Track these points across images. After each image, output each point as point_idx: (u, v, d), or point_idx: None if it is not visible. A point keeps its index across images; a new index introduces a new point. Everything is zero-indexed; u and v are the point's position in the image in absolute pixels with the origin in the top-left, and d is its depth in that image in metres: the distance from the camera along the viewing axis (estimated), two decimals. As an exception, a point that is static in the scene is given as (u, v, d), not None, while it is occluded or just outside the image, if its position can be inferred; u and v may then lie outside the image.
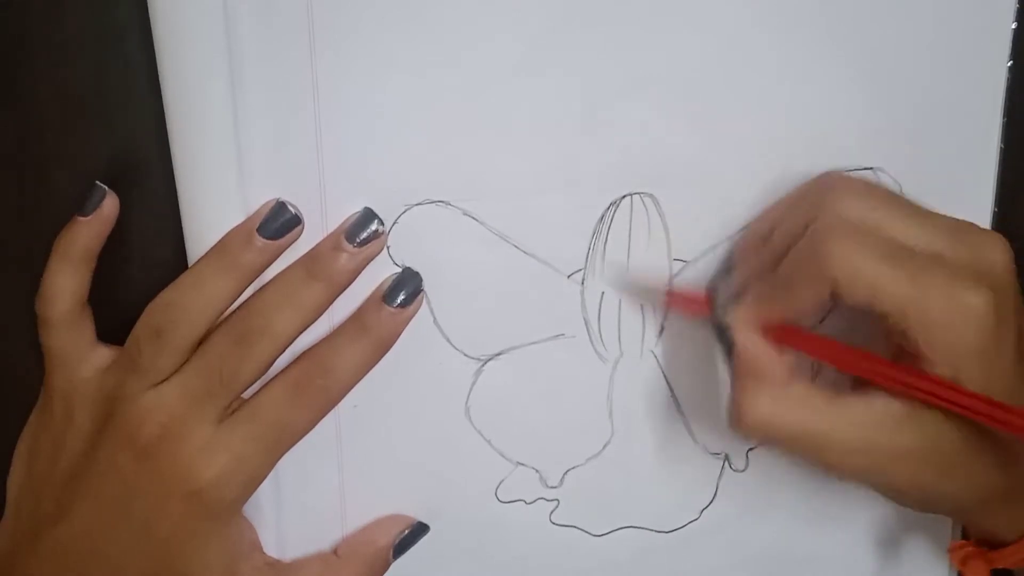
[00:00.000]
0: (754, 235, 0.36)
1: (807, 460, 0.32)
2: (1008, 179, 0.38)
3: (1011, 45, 0.36)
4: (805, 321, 0.33)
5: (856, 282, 0.30)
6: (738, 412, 0.32)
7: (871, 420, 0.31)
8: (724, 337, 0.34)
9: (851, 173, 0.35)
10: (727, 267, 0.36)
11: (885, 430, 0.31)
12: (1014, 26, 0.36)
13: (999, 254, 0.31)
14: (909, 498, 0.34)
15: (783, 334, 0.33)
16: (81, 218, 0.32)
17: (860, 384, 0.32)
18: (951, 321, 0.30)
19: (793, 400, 0.32)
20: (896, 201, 0.33)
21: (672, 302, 0.37)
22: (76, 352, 0.33)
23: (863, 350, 0.32)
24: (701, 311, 0.36)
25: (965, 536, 0.37)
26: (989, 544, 0.35)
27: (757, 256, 0.35)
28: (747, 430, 0.32)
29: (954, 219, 0.33)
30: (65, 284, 0.33)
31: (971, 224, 0.33)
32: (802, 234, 0.32)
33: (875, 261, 0.30)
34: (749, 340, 0.33)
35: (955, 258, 0.31)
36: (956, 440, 0.31)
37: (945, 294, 0.30)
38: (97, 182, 0.32)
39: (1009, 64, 0.36)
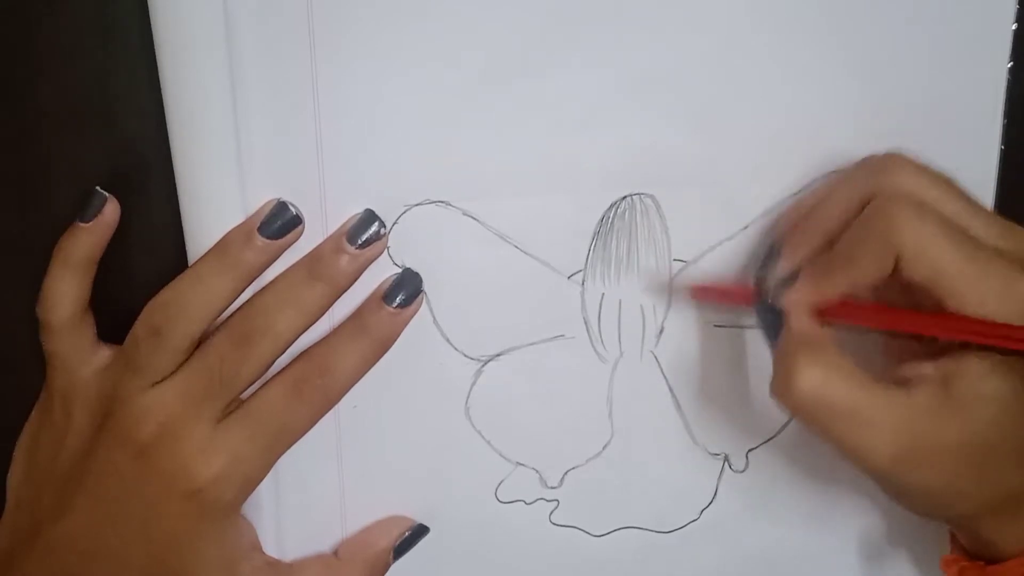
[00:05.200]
0: (794, 219, 0.36)
1: (843, 438, 0.32)
2: (1009, 180, 0.38)
3: (1011, 46, 0.36)
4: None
5: (922, 256, 0.30)
6: (788, 381, 0.32)
7: (914, 408, 0.31)
8: (771, 324, 0.34)
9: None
10: (771, 254, 0.36)
11: (926, 420, 0.31)
12: (1014, 27, 0.36)
13: None
14: (925, 497, 0.33)
15: (835, 309, 0.32)
16: (82, 224, 0.32)
17: (901, 379, 0.32)
18: (1006, 307, 0.30)
19: (845, 373, 0.32)
20: (950, 184, 0.33)
21: (707, 296, 0.36)
22: (77, 355, 0.33)
23: (917, 310, 0.32)
24: (744, 301, 0.35)
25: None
26: (981, 557, 0.34)
27: (805, 238, 0.34)
28: (796, 400, 0.32)
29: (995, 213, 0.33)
30: (66, 290, 0.33)
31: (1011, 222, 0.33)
32: (857, 211, 0.32)
33: (942, 238, 0.30)
34: (803, 322, 0.33)
35: (1007, 248, 0.32)
36: (990, 439, 0.31)
37: (1002, 281, 0.30)
38: (98, 188, 0.32)
39: (1010, 65, 0.36)
